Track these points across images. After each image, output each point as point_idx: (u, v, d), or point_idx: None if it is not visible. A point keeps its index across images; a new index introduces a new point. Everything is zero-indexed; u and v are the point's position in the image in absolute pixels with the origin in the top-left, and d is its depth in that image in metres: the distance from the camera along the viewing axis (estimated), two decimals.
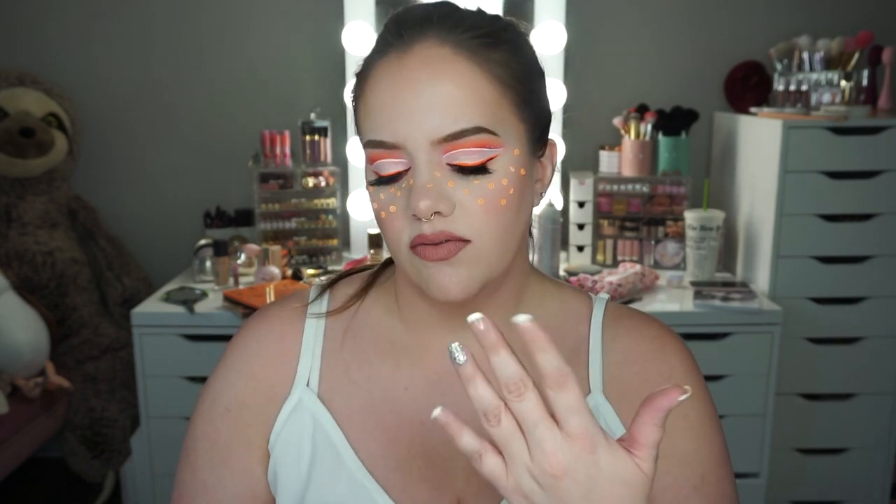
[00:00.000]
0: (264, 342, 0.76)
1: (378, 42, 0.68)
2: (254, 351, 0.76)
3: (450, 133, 0.62)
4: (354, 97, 0.69)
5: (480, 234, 0.64)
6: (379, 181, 0.66)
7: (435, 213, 0.62)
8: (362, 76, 0.68)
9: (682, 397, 0.49)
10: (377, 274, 0.80)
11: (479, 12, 0.68)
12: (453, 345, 0.49)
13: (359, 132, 0.69)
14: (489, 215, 0.63)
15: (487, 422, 0.50)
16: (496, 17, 0.68)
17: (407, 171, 0.64)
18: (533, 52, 0.69)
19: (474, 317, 0.48)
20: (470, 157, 0.63)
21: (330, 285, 0.80)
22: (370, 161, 0.66)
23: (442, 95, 0.62)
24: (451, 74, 0.63)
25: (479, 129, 0.62)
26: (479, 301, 0.70)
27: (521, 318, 0.47)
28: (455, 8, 0.67)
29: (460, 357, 0.49)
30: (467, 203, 0.63)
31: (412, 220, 0.64)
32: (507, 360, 0.48)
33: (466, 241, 0.64)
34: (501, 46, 0.65)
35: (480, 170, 0.63)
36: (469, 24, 0.65)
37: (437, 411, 0.51)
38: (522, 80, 0.66)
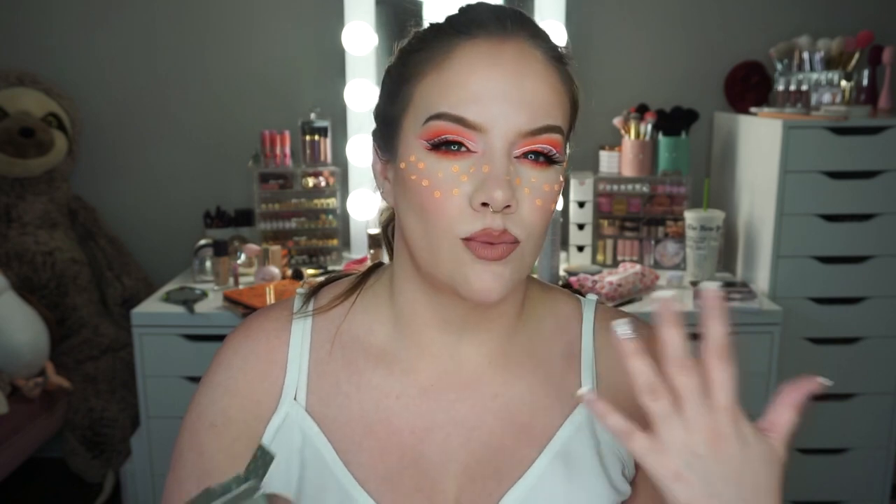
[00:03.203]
0: (249, 358, 0.74)
1: (456, 23, 0.66)
2: (238, 367, 0.74)
3: (537, 127, 0.63)
4: (417, 70, 0.66)
5: (528, 235, 0.64)
6: (438, 150, 0.63)
7: (506, 206, 0.62)
8: (439, 51, 0.65)
9: (825, 382, 0.54)
10: (363, 278, 0.78)
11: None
12: (620, 321, 0.54)
13: (398, 105, 0.67)
14: (542, 218, 0.64)
15: (651, 395, 0.54)
16: None
17: (474, 154, 0.63)
18: None
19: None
20: (543, 156, 0.64)
21: (314, 292, 0.78)
22: (432, 135, 0.63)
23: (536, 93, 0.63)
24: (545, 76, 0.65)
25: (559, 129, 0.65)
26: (494, 304, 0.69)
27: (711, 285, 0.52)
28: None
29: (628, 331, 0.53)
30: (526, 202, 0.63)
31: (473, 210, 0.62)
32: (679, 336, 0.54)
33: (517, 242, 0.64)
34: (569, 68, 0.69)
35: (546, 169, 0.64)
36: (550, 37, 0.68)
37: (583, 389, 0.55)
38: (578, 103, 0.70)
